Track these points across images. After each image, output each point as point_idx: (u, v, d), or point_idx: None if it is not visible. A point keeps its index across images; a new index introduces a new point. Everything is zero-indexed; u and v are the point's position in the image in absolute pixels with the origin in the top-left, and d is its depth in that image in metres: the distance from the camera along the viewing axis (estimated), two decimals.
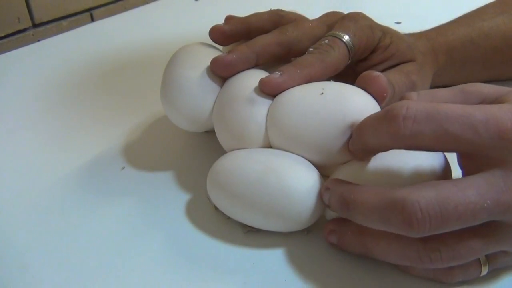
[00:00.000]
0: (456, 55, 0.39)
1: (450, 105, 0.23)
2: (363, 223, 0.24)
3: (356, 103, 0.28)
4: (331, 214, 0.28)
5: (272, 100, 0.30)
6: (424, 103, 0.23)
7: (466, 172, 0.25)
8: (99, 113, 0.44)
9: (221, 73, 0.33)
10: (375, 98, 0.29)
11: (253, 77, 0.31)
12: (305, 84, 0.30)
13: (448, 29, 0.40)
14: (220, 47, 0.37)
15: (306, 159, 0.29)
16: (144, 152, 0.38)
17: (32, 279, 0.27)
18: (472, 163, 0.24)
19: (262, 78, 0.30)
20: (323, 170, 0.29)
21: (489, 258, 0.25)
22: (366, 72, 0.30)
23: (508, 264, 0.26)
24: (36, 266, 0.28)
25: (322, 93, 0.28)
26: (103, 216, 0.32)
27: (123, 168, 0.36)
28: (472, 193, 0.21)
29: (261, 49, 0.33)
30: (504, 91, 0.25)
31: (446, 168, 0.27)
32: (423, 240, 0.23)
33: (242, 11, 0.40)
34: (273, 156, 0.29)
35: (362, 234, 0.25)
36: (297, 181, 0.27)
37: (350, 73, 0.35)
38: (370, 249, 0.26)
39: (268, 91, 0.30)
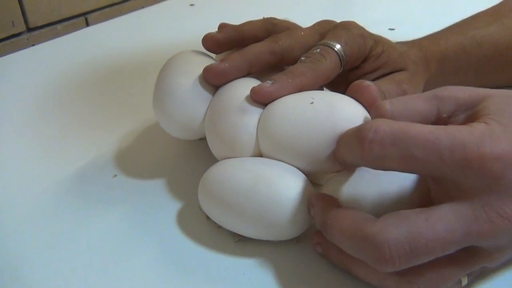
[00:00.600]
0: (448, 63, 0.39)
1: (419, 128, 0.22)
2: (340, 247, 0.24)
3: (346, 112, 0.28)
4: None
5: (263, 109, 0.30)
6: (394, 124, 0.23)
7: (433, 195, 0.24)
8: (91, 119, 0.44)
9: (213, 81, 0.33)
10: (365, 107, 0.29)
11: (245, 85, 0.32)
12: (296, 93, 0.30)
13: (441, 37, 0.40)
14: (213, 55, 0.37)
15: (297, 168, 0.29)
16: (136, 159, 0.38)
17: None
18: (441, 188, 0.23)
19: (253, 87, 0.30)
20: (314, 179, 0.29)
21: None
22: (357, 81, 0.30)
23: (489, 268, 0.26)
24: (28, 275, 0.28)
25: (312, 102, 0.29)
26: (94, 224, 0.32)
27: (115, 175, 0.36)
28: (442, 228, 0.21)
29: (254, 57, 0.33)
30: (479, 96, 0.24)
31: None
32: (399, 272, 0.23)
33: (236, 17, 0.40)
34: (263, 165, 0.29)
35: (343, 254, 0.25)
36: (287, 190, 0.27)
37: (342, 81, 0.35)
38: (351, 271, 0.26)
39: (259, 99, 0.30)
